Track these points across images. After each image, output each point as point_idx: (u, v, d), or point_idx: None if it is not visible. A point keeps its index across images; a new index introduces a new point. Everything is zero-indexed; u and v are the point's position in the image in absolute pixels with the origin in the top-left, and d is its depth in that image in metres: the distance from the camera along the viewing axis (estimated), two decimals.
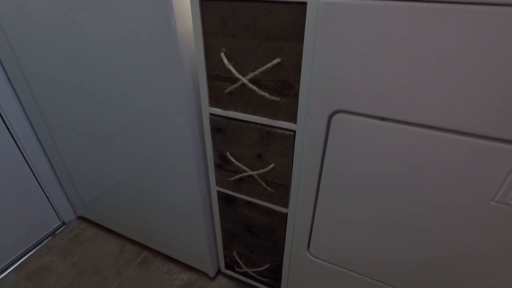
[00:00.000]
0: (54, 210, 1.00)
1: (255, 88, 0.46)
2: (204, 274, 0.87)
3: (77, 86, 0.67)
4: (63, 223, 1.04)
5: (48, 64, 0.67)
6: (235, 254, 0.76)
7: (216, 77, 0.51)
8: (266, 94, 0.46)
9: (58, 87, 0.71)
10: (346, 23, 0.35)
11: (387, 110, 0.38)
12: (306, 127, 0.45)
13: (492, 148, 0.35)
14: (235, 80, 0.48)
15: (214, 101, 0.54)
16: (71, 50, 0.61)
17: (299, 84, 0.44)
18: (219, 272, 0.87)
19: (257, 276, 0.76)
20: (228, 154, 0.58)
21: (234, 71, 0.47)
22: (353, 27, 0.36)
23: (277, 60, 0.44)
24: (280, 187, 0.56)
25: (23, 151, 0.86)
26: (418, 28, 0.33)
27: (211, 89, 0.53)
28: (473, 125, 0.35)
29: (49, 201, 0.97)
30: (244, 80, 0.46)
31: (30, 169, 0.89)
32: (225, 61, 0.47)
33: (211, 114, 0.56)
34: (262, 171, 0.55)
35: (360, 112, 0.40)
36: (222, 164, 0.61)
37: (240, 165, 0.57)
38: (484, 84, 0.33)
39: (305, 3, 0.38)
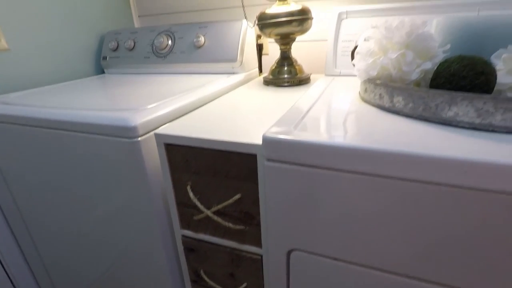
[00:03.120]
0: None
1: (219, 220, 0.49)
2: None
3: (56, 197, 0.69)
4: None
5: (26, 167, 0.71)
6: None
7: (185, 205, 0.54)
8: (231, 225, 0.49)
9: (35, 189, 0.73)
10: (285, 181, 0.40)
11: (337, 251, 0.40)
12: (269, 259, 0.47)
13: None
14: (201, 211, 0.51)
15: (185, 224, 0.56)
16: (51, 175, 0.65)
17: (260, 215, 0.47)
18: None
19: None
20: (202, 272, 0.59)
21: (199, 204, 0.50)
22: (291, 185, 0.40)
23: (237, 196, 0.47)
24: None
25: None
26: (350, 192, 0.37)
27: (181, 214, 0.55)
28: (403, 267, 0.38)
29: None
30: (209, 213, 0.49)
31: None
32: (191, 194, 0.50)
33: (183, 236, 0.57)
34: None
35: (314, 252, 0.42)
36: (197, 280, 0.61)
37: (213, 284, 0.58)
38: (403, 236, 0.36)
39: (255, 155, 0.43)
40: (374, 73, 0.48)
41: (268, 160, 0.40)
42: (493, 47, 0.46)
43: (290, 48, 0.78)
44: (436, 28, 0.51)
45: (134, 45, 0.96)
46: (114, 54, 0.99)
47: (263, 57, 0.99)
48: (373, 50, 0.49)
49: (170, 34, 0.92)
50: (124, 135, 0.48)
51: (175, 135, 0.46)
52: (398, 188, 0.35)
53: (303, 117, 0.45)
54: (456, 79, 0.41)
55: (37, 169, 0.66)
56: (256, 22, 0.74)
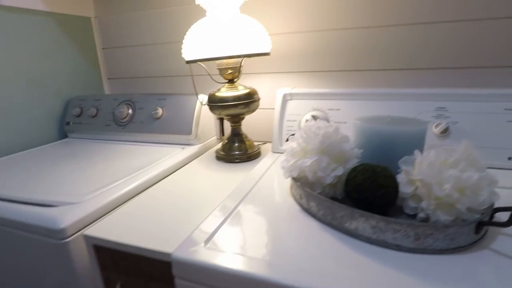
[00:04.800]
0: None
1: None
2: None
3: None
4: None
5: None
6: None
7: None
8: None
9: None
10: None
11: None
12: None
13: None
14: None
15: None
16: None
17: None
18: None
19: None
20: None
21: None
22: None
23: None
24: None
25: None
26: None
27: None
28: None
29: None
30: None
31: None
32: None
33: None
34: None
35: None
36: None
37: None
38: None
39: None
40: (295, 174, 0.51)
41: (177, 277, 0.41)
42: (404, 149, 0.50)
43: (240, 125, 0.82)
44: (354, 130, 0.55)
45: (96, 113, 1.00)
46: (78, 120, 1.02)
47: None
48: (296, 151, 0.53)
49: (131, 103, 0.96)
50: (51, 236, 0.49)
51: (103, 238, 0.48)
52: None
53: (221, 224, 0.47)
54: (361, 189, 0.45)
55: None
56: (207, 102, 0.78)
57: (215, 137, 0.98)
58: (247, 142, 0.82)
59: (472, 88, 0.67)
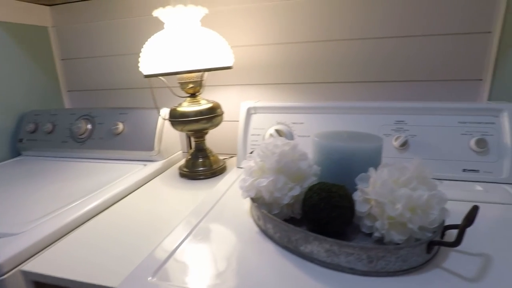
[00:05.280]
0: None
1: None
2: None
3: None
4: None
5: None
6: None
7: None
8: None
9: None
10: None
11: None
12: None
13: None
14: None
15: None
16: None
17: None
18: None
19: None
20: None
21: None
22: None
23: None
24: None
25: None
26: None
27: None
28: None
29: None
30: None
31: None
32: None
33: None
34: None
35: None
36: None
37: None
38: None
39: None
40: (252, 194, 0.50)
41: None
42: (360, 165, 0.49)
43: (204, 140, 0.80)
44: (312, 147, 0.55)
45: (53, 128, 0.94)
46: (32, 136, 0.96)
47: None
48: (254, 170, 0.51)
49: (90, 118, 0.92)
50: None
51: (43, 274, 0.44)
52: None
53: (174, 251, 0.45)
54: (316, 210, 0.44)
55: None
56: (168, 117, 0.76)
57: (180, 152, 0.95)
58: (211, 158, 0.80)
59: (428, 102, 0.69)
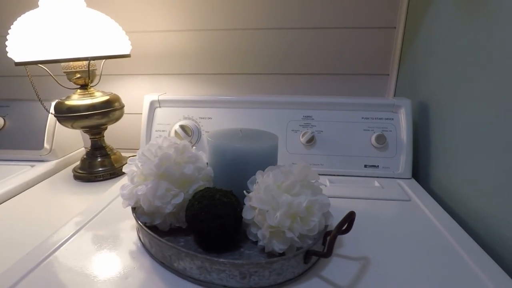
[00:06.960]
0: None
1: None
2: None
3: None
4: None
5: None
6: None
7: None
8: None
9: None
10: None
11: None
12: None
13: None
14: None
15: None
16: None
17: None
18: None
19: None
20: None
21: None
22: None
23: None
24: None
25: None
26: None
27: None
28: None
29: None
30: None
31: None
32: None
33: None
34: None
35: None
36: None
37: None
38: None
39: None
40: (132, 203, 0.44)
41: None
42: (255, 167, 0.46)
43: (102, 137, 0.71)
44: (207, 148, 0.50)
45: None
46: None
47: None
48: (136, 174, 0.45)
49: None
50: None
51: None
52: None
53: (29, 272, 0.37)
54: (196, 220, 0.39)
55: None
56: (53, 113, 0.65)
57: (82, 149, 0.84)
58: (112, 156, 0.72)
59: (335, 97, 0.68)
